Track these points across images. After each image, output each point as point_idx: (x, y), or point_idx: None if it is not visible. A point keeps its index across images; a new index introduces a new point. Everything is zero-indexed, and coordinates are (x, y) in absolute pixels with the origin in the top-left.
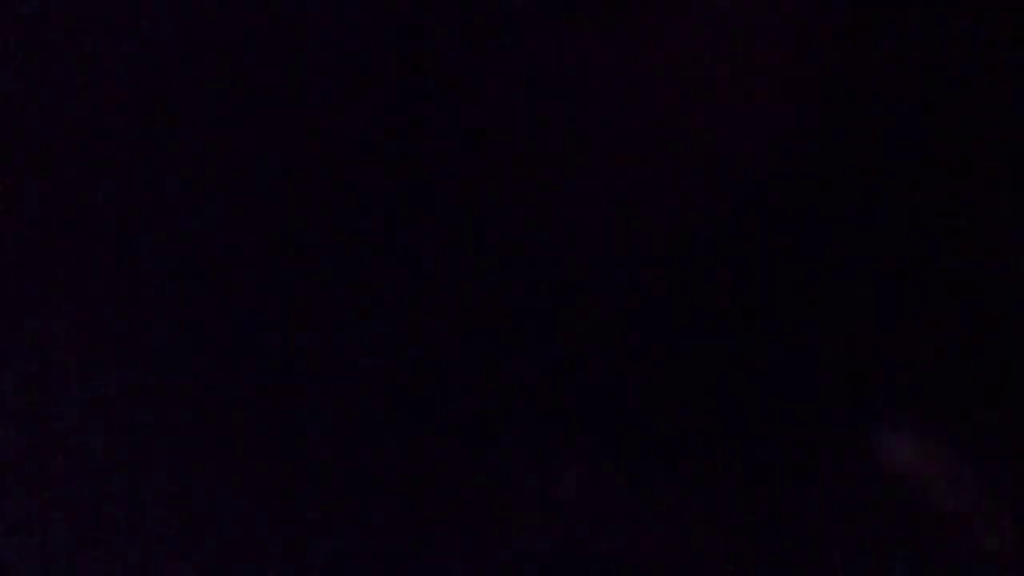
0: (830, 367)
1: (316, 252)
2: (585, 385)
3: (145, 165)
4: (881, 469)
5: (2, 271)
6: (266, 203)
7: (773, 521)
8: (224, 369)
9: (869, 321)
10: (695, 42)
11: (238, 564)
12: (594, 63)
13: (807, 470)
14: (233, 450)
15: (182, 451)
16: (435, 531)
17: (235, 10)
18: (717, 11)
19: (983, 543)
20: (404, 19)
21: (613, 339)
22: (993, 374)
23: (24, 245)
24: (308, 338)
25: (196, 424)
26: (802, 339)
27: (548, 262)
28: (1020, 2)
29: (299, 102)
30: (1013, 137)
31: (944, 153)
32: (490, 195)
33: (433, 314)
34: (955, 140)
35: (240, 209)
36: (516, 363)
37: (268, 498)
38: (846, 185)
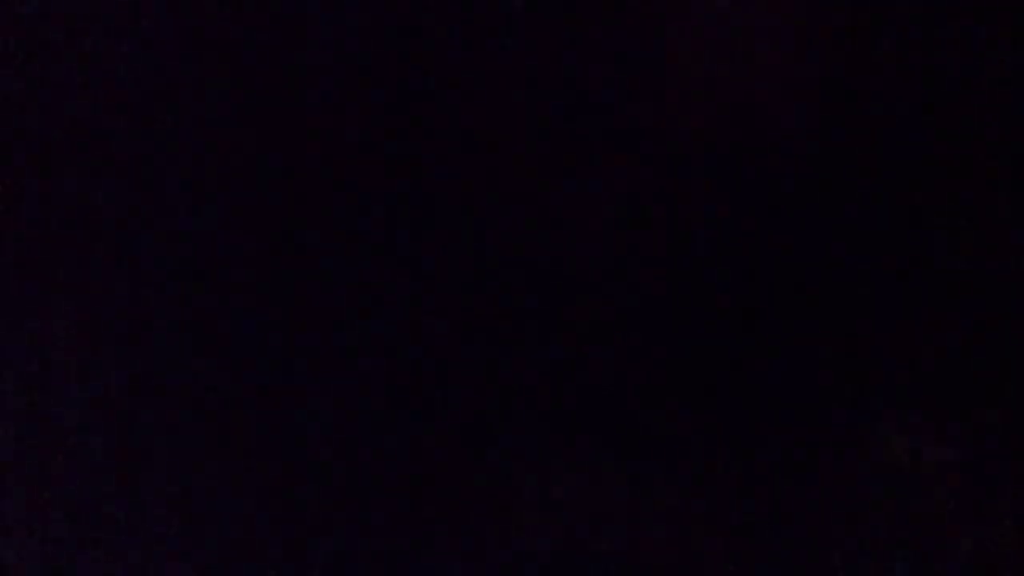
0: (830, 368)
1: (316, 252)
2: (584, 386)
3: (145, 165)
4: (881, 469)
5: (2, 271)
6: (266, 203)
7: (773, 521)
8: (224, 369)
9: (869, 322)
10: (695, 42)
11: (238, 564)
12: (594, 63)
13: (807, 470)
14: (233, 450)
15: (182, 451)
16: (435, 531)
17: (235, 10)
18: (717, 11)
19: (983, 543)
20: (404, 19)
21: (613, 340)
22: (993, 374)
23: (24, 245)
24: (308, 338)
25: (196, 424)
26: (802, 340)
27: (548, 262)
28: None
29: (299, 102)
30: (1013, 137)
31: (944, 154)
32: (490, 195)
33: (433, 314)
34: (955, 141)
35: (240, 209)
36: (516, 364)
37: (268, 498)
38: (846, 186)
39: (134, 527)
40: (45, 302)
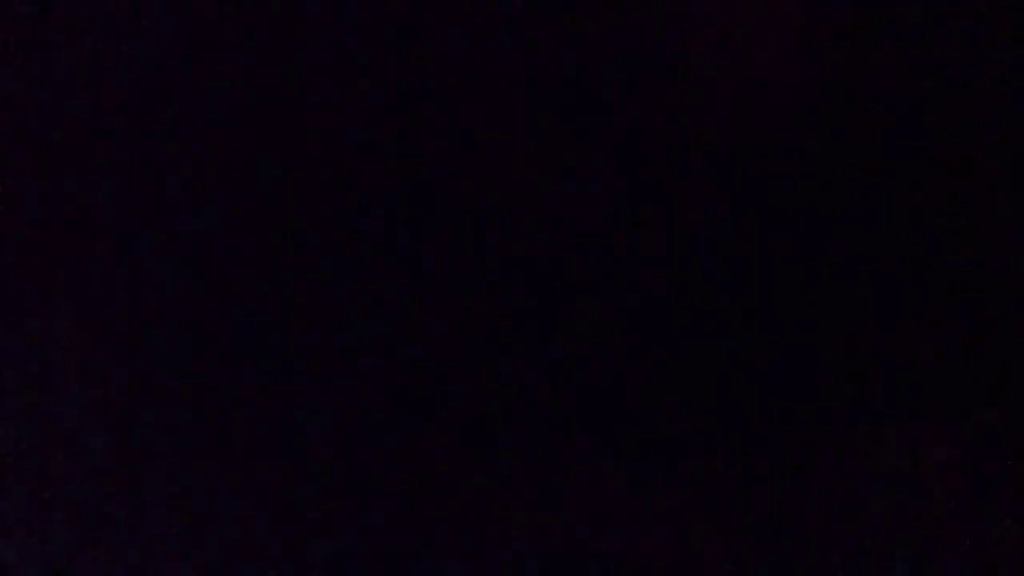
0: (830, 368)
1: (316, 252)
2: (584, 386)
3: (145, 165)
4: (881, 469)
5: (2, 271)
6: (266, 203)
7: (773, 521)
8: (224, 369)
9: (869, 322)
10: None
11: (238, 564)
12: (594, 63)
13: (807, 470)
14: (233, 450)
15: (182, 451)
16: (435, 531)
17: (235, 10)
18: (717, 11)
19: (983, 543)
20: (404, 19)
21: (613, 340)
22: (993, 374)
23: (24, 245)
24: (308, 338)
25: (196, 424)
26: (802, 340)
27: (548, 262)
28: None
29: (299, 102)
30: (1013, 137)
31: (944, 155)
32: (490, 195)
33: (433, 314)
34: (955, 141)
35: (240, 209)
36: (516, 364)
37: (268, 498)
38: (846, 187)
39: (134, 527)
40: (45, 302)
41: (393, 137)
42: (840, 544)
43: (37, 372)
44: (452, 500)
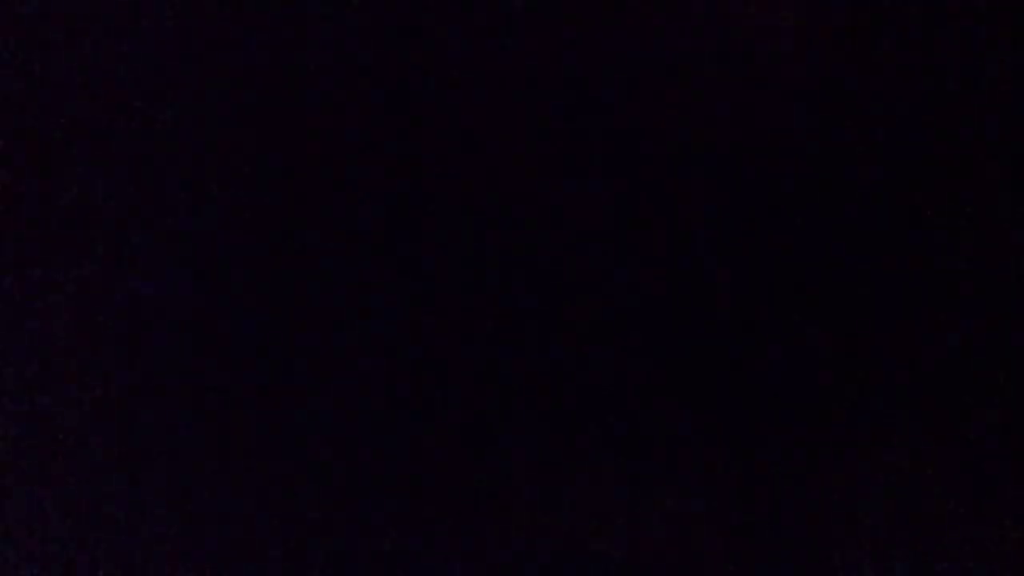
0: (830, 368)
1: (316, 252)
2: (584, 386)
3: (145, 164)
4: (881, 469)
5: (2, 271)
6: (266, 203)
7: (773, 521)
8: (224, 369)
9: (869, 322)
10: (695, 42)
11: (238, 564)
12: (594, 63)
13: (807, 470)
14: (233, 450)
15: (182, 451)
16: (435, 531)
17: (235, 10)
18: (717, 11)
19: (983, 543)
20: (404, 19)
21: (613, 340)
22: (993, 374)
23: (24, 245)
24: (308, 338)
25: (196, 424)
26: (802, 340)
27: (548, 262)
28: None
29: (299, 102)
30: (1013, 137)
31: (944, 155)
32: (490, 195)
33: (433, 314)
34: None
35: (240, 209)
36: (516, 364)
37: (268, 498)
38: (846, 187)
39: (134, 527)
40: (45, 302)
41: (393, 137)
42: (840, 544)
43: (37, 372)
44: (452, 500)
